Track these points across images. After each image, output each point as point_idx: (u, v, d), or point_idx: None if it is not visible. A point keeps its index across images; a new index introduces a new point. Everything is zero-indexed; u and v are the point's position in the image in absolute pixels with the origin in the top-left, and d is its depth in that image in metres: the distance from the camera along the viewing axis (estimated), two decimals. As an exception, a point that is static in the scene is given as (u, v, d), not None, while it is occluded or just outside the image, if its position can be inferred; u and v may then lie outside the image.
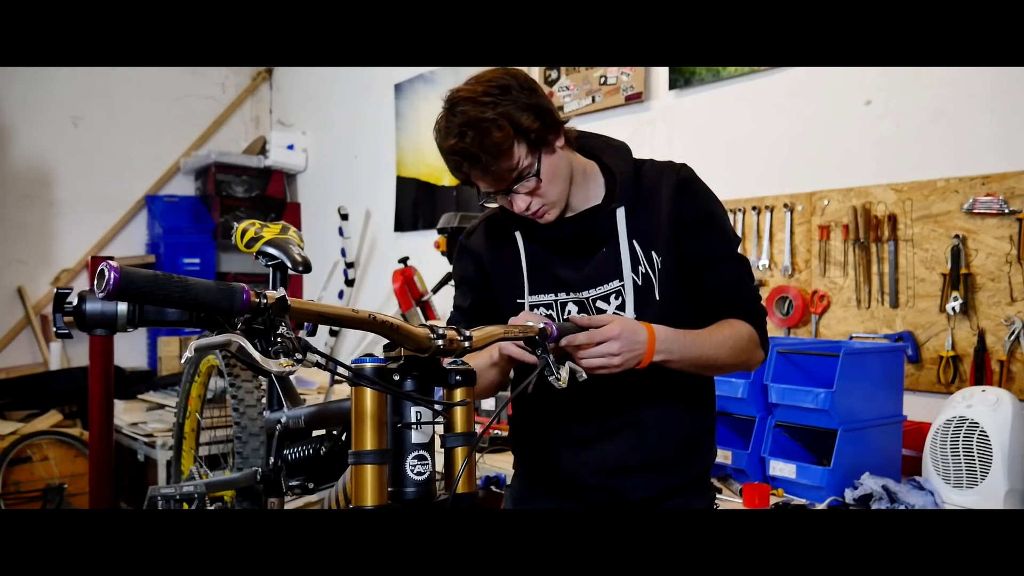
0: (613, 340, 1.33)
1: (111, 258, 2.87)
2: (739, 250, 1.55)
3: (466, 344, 1.13)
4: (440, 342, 1.09)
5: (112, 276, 0.82)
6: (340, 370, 1.06)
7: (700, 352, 1.43)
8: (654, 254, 1.48)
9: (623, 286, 1.48)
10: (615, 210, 1.49)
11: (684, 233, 1.48)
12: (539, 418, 1.59)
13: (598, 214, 1.50)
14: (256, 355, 0.90)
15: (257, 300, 0.91)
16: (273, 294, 0.93)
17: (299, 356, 0.92)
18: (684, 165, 1.54)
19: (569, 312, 1.52)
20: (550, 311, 1.53)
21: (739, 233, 2.75)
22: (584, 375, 1.31)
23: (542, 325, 1.28)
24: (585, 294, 1.50)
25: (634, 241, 1.48)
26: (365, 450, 1.06)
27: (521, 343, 1.33)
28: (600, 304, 1.50)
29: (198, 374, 2.55)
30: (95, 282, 0.83)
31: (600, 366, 1.34)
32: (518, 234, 1.56)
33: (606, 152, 1.55)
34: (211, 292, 0.89)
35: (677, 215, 1.48)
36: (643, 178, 1.51)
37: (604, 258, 1.49)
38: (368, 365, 1.09)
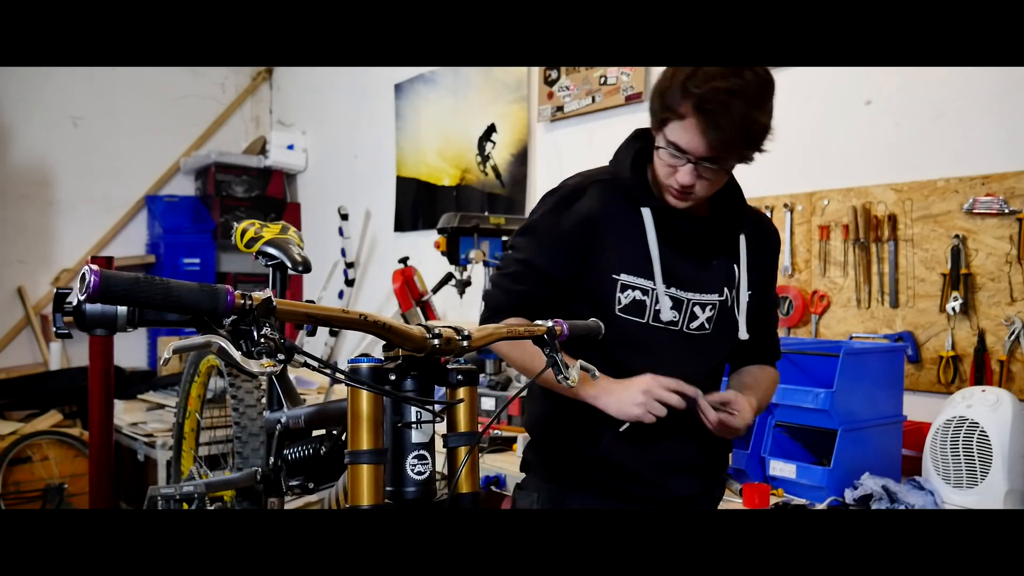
0: (744, 417, 1.51)
1: (111, 258, 2.87)
2: None
3: (464, 343, 1.12)
4: (436, 341, 1.08)
5: (92, 279, 0.82)
6: (328, 369, 1.06)
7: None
8: (743, 286, 1.60)
9: (721, 302, 1.57)
10: (739, 235, 1.59)
11: (764, 281, 1.66)
12: (595, 418, 1.54)
13: (727, 229, 1.58)
14: (236, 355, 0.90)
15: (242, 301, 0.91)
16: (259, 295, 0.93)
17: (281, 357, 0.92)
18: (770, 219, 1.70)
19: (661, 305, 1.52)
20: (645, 297, 1.52)
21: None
22: (598, 374, 1.30)
23: (549, 324, 1.27)
24: (688, 295, 1.54)
25: (742, 269, 1.60)
26: (361, 450, 1.06)
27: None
28: (695, 309, 1.55)
29: (198, 374, 2.55)
30: (77, 285, 0.84)
31: (726, 427, 1.51)
32: (647, 212, 1.53)
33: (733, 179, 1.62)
34: (194, 294, 0.89)
35: (768, 265, 1.67)
36: (754, 217, 1.66)
37: (716, 270, 1.57)
38: (364, 365, 1.08)
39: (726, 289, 1.57)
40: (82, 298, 0.84)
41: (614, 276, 1.52)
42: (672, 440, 1.57)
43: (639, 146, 1.57)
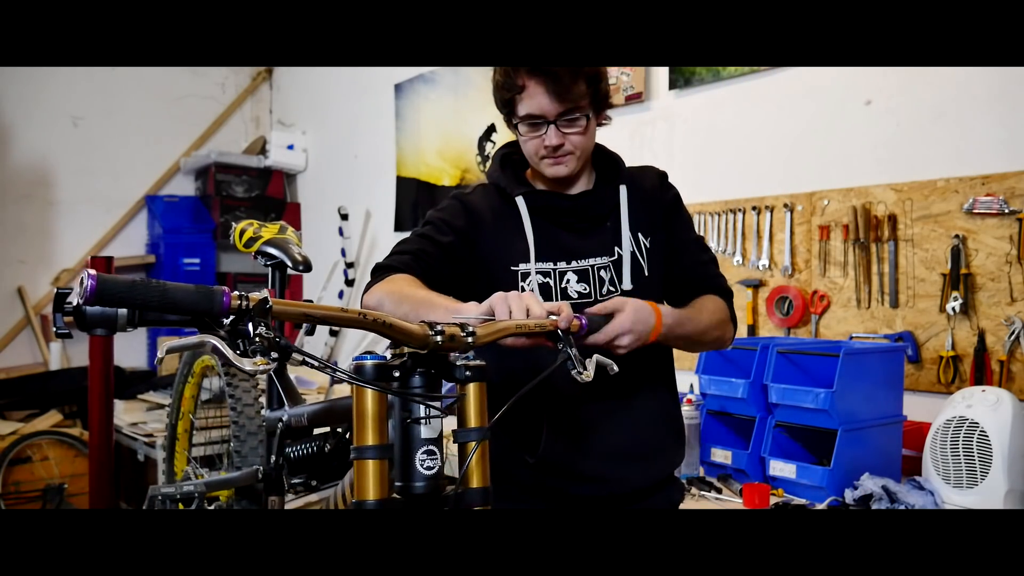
0: (623, 314, 1.34)
1: (111, 259, 2.87)
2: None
3: (469, 340, 1.11)
4: (439, 338, 1.08)
5: (89, 283, 0.85)
6: (328, 367, 1.06)
7: (695, 328, 1.51)
8: (640, 235, 1.59)
9: (621, 258, 1.56)
10: (619, 187, 1.60)
11: (662, 218, 1.62)
12: (536, 407, 1.52)
13: (603, 189, 1.60)
14: (230, 354, 0.91)
15: (238, 302, 0.92)
16: (256, 295, 0.94)
17: (275, 355, 0.93)
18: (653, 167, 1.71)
19: (568, 281, 1.55)
20: (547, 279, 1.54)
21: (739, 233, 2.77)
22: (616, 368, 1.26)
23: (562, 320, 1.23)
24: (588, 262, 1.56)
25: (629, 220, 1.59)
26: (366, 445, 1.07)
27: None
28: (602, 274, 1.56)
29: (191, 374, 2.54)
30: (76, 288, 0.85)
31: (612, 341, 1.34)
32: (520, 200, 1.57)
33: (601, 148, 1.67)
34: (190, 296, 0.91)
35: (659, 201, 1.63)
36: (638, 170, 1.68)
37: (607, 231, 1.58)
38: (368, 363, 1.09)
39: (616, 248, 1.57)
40: (80, 302, 0.85)
41: (512, 268, 1.55)
42: (612, 425, 1.54)
43: (505, 152, 1.67)
